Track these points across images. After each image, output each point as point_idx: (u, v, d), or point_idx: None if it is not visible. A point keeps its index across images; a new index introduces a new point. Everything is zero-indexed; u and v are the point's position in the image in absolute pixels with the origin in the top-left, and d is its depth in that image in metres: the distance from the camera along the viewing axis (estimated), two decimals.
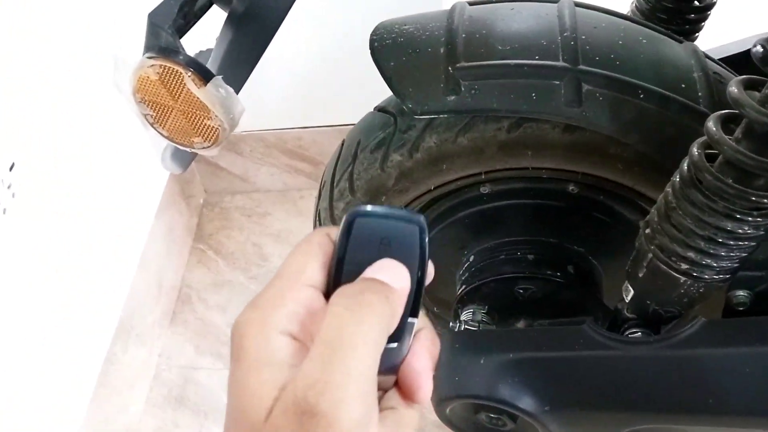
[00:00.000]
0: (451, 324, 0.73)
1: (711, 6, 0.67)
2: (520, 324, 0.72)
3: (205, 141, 0.47)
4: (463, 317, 0.72)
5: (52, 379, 1.00)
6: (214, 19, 0.55)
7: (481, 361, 0.63)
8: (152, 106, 0.47)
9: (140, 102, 0.47)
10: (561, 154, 0.60)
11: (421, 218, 0.33)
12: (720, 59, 0.63)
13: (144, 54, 0.45)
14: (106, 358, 1.10)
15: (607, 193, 0.66)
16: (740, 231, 0.48)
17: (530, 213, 0.70)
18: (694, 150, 0.48)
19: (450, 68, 0.55)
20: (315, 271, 0.32)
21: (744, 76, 0.45)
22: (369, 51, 0.59)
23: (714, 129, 0.46)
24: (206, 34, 0.57)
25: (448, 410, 0.67)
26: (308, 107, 1.33)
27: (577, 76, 0.54)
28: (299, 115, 1.35)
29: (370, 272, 0.32)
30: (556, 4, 0.60)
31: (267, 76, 1.23)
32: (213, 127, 0.46)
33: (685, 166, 0.49)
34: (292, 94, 1.29)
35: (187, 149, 0.49)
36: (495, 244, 0.73)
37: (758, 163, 0.43)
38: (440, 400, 0.66)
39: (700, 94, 0.56)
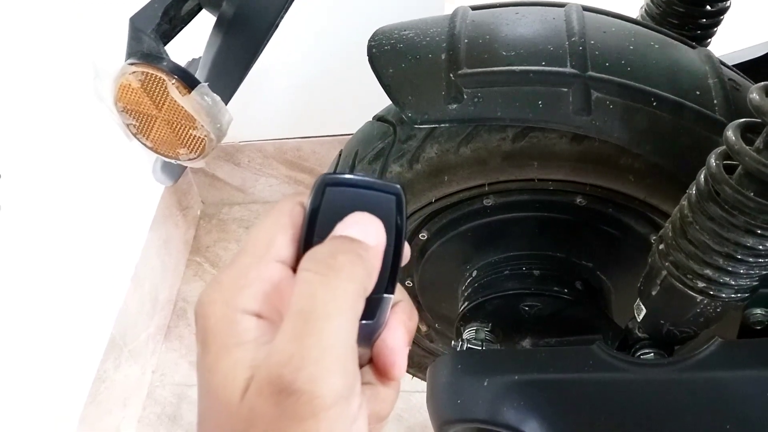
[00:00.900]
0: (453, 342, 0.70)
1: (724, 11, 0.65)
2: (526, 343, 0.69)
3: (191, 152, 0.44)
4: (465, 335, 0.69)
5: (42, 399, 0.97)
6: (208, 25, 0.53)
7: (485, 383, 0.60)
8: (135, 115, 0.44)
9: (122, 111, 0.44)
10: (568, 166, 0.57)
11: (399, 188, 0.30)
12: (734, 65, 0.61)
13: (126, 60, 0.42)
14: (96, 376, 1.07)
15: (617, 206, 0.63)
16: (761, 247, 0.45)
17: (536, 226, 0.67)
18: (712, 161, 0.45)
19: (452, 75, 0.53)
20: (284, 245, 0.29)
21: (765, 83, 0.42)
22: (367, 59, 0.57)
23: (734, 138, 0.43)
24: (200, 42, 0.55)
25: None
26: (307, 117, 1.30)
27: (586, 82, 0.51)
28: (298, 125, 1.33)
29: (340, 229, 0.29)
30: (563, 8, 0.57)
31: (265, 86, 1.20)
32: (199, 137, 0.43)
33: (702, 177, 0.46)
34: (290, 103, 1.27)
35: (173, 161, 0.46)
36: (499, 258, 0.70)
37: None
38: (442, 424, 0.62)
39: (715, 101, 0.53)
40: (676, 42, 0.57)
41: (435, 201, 0.65)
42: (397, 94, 0.54)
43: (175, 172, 0.64)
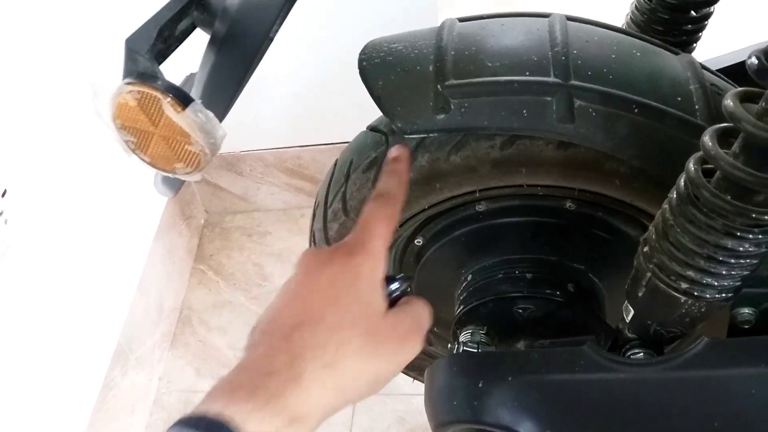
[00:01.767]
0: (450, 345, 0.72)
1: (708, 16, 0.66)
2: (521, 345, 0.70)
3: (186, 166, 0.46)
4: (461, 338, 0.70)
5: (49, 406, 0.99)
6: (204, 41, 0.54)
7: (480, 385, 0.61)
8: (132, 132, 0.46)
9: (120, 129, 0.46)
10: (556, 171, 0.59)
11: None
12: (718, 70, 0.62)
13: (122, 80, 0.44)
14: (104, 383, 1.09)
15: (607, 210, 0.64)
16: (741, 249, 0.46)
17: (528, 231, 0.69)
18: (691, 166, 0.47)
19: (439, 86, 0.54)
20: None
21: (740, 89, 0.44)
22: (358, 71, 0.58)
23: (710, 144, 0.45)
24: (197, 57, 0.57)
25: None
26: (307, 126, 1.32)
27: (569, 91, 0.52)
28: (298, 134, 1.35)
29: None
30: (547, 19, 0.58)
31: (265, 96, 1.23)
32: (194, 152, 0.45)
33: (681, 182, 0.48)
34: (290, 113, 1.29)
35: (170, 175, 0.48)
36: (493, 262, 0.72)
37: (757, 179, 0.42)
38: (438, 425, 0.64)
39: (696, 107, 0.54)
40: (658, 49, 0.59)
41: (428, 208, 0.66)
42: (387, 105, 0.56)
43: (175, 185, 0.66)
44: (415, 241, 0.73)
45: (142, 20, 0.46)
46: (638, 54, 0.57)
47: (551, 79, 0.53)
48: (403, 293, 0.50)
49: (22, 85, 0.94)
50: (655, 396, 0.54)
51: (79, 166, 1.07)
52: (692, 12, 0.66)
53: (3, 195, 0.89)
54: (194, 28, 0.50)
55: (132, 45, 0.43)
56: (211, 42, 0.49)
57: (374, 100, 0.56)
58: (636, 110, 0.52)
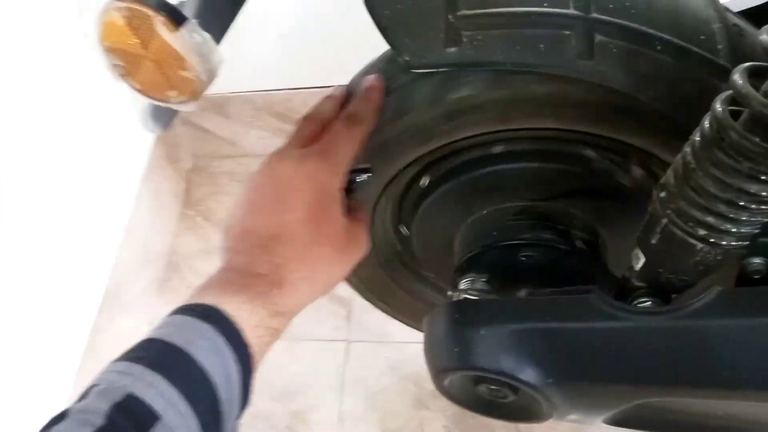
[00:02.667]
0: (449, 292, 0.70)
1: None
2: (522, 293, 0.69)
3: (181, 94, 0.43)
4: (461, 286, 0.68)
5: (38, 351, 0.97)
6: None
7: (482, 332, 0.60)
8: (121, 55, 0.42)
9: (108, 51, 0.42)
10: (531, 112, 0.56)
11: None
12: (738, 12, 0.59)
13: None
14: (92, 328, 1.07)
15: (595, 147, 0.62)
16: (764, 193, 0.44)
17: (540, 176, 0.66)
18: (718, 106, 0.44)
19: (450, 17, 0.51)
20: None
21: None
22: (362, 1, 0.54)
23: (741, 82, 0.42)
24: None
25: (446, 382, 0.64)
26: (298, 67, 1.27)
27: (589, 25, 0.49)
28: (288, 76, 1.30)
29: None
30: None
31: (254, 34, 1.17)
32: (189, 78, 0.41)
33: (706, 123, 0.45)
34: (280, 53, 1.24)
35: (162, 104, 0.44)
36: (499, 208, 0.69)
37: None
38: (438, 372, 0.63)
39: (719, 46, 0.51)
40: None
41: (407, 166, 0.64)
42: (393, 36, 0.52)
43: (165, 120, 0.62)
44: (420, 182, 0.70)
45: None
46: None
47: (571, 11, 0.50)
48: (357, 188, 0.57)
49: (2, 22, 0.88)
50: (665, 345, 0.53)
51: (63, 106, 1.02)
52: None
53: None
54: None
55: None
56: None
57: (380, 31, 0.53)
58: (659, 47, 0.50)
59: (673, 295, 0.56)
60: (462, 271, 0.69)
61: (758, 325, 0.50)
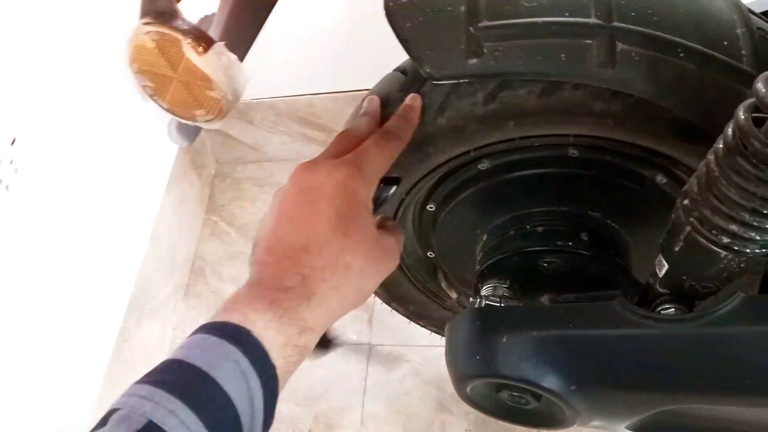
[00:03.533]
0: (471, 299, 0.70)
1: None
2: (544, 299, 0.69)
3: (207, 113, 0.44)
4: (483, 292, 0.69)
5: (66, 356, 0.99)
6: None
7: (504, 339, 0.60)
8: (150, 77, 0.43)
9: (137, 73, 0.43)
10: (543, 120, 0.56)
11: None
12: (762, 13, 0.58)
13: (140, 20, 0.42)
14: (119, 334, 1.10)
15: (613, 153, 0.62)
16: None
17: (540, 183, 0.66)
18: (741, 113, 0.44)
19: (471, 28, 0.51)
20: None
21: None
22: (383, 12, 0.55)
23: (764, 90, 0.42)
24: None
25: (468, 388, 0.65)
26: (319, 73, 1.28)
27: (611, 33, 0.49)
28: (311, 82, 1.31)
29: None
30: None
31: (276, 42, 1.18)
32: (216, 98, 0.42)
33: (729, 131, 0.45)
34: (302, 59, 1.25)
35: (190, 122, 0.45)
36: (511, 217, 0.70)
37: None
38: (460, 380, 0.63)
39: (743, 52, 0.51)
40: None
41: (429, 173, 0.64)
42: (415, 49, 0.53)
43: (190, 133, 0.64)
44: (428, 207, 0.71)
45: None
46: None
47: (592, 20, 0.50)
48: (387, 198, 0.60)
49: (30, 29, 0.90)
50: (688, 352, 0.53)
51: (90, 114, 1.04)
52: None
53: (12, 143, 0.87)
54: None
55: None
56: None
57: (401, 44, 0.53)
58: (681, 54, 0.49)
59: (697, 302, 0.56)
60: (483, 277, 0.69)
61: None
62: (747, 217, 0.46)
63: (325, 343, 0.62)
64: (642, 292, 0.61)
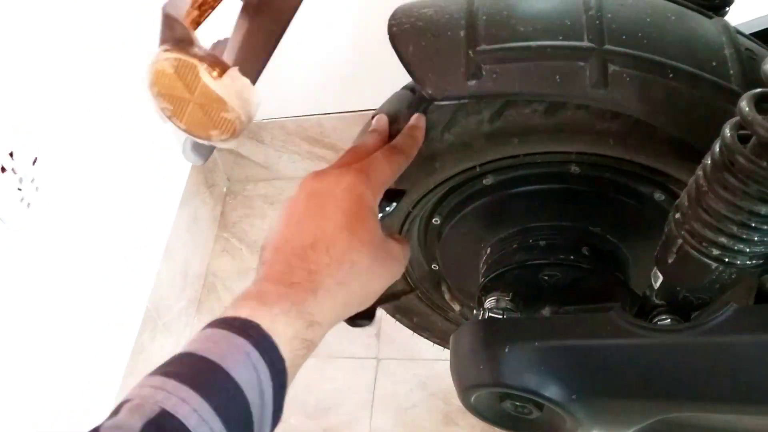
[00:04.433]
0: (474, 312, 0.72)
1: None
2: (545, 311, 0.71)
3: (222, 134, 0.46)
4: (486, 305, 0.71)
5: (81, 370, 1.01)
6: (230, 8, 0.54)
7: (506, 350, 0.62)
8: (169, 99, 0.46)
9: (157, 96, 0.46)
10: (547, 138, 0.58)
11: None
12: (751, 34, 0.61)
13: (159, 47, 0.45)
14: (134, 347, 1.12)
15: (613, 170, 0.64)
16: None
17: (538, 198, 0.69)
18: (726, 131, 0.46)
19: (470, 52, 0.54)
20: None
21: None
22: (387, 35, 0.58)
23: (747, 109, 0.44)
24: (222, 24, 0.57)
25: (473, 398, 0.66)
26: (328, 93, 1.32)
27: (602, 56, 0.52)
28: (319, 102, 1.34)
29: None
30: None
31: (285, 63, 1.22)
32: (230, 119, 0.45)
33: (716, 148, 0.47)
34: (311, 80, 1.28)
35: (205, 142, 0.48)
36: (515, 231, 0.72)
37: None
38: (465, 389, 0.65)
39: (731, 72, 0.53)
40: (692, 12, 0.57)
41: (435, 187, 0.67)
42: (417, 71, 0.55)
43: (205, 152, 0.67)
44: (433, 221, 0.73)
45: None
46: (672, 18, 0.56)
47: (585, 43, 0.52)
48: (392, 212, 0.63)
49: (51, 51, 0.94)
50: (684, 361, 0.55)
51: (107, 134, 1.08)
52: None
53: (34, 162, 0.90)
54: None
55: (169, 11, 0.43)
56: (244, 9, 0.49)
57: (404, 66, 0.56)
58: (671, 75, 0.52)
59: (692, 313, 0.58)
60: (486, 290, 0.71)
61: None
62: (735, 229, 0.48)
63: (369, 315, 0.62)
64: (639, 304, 0.63)
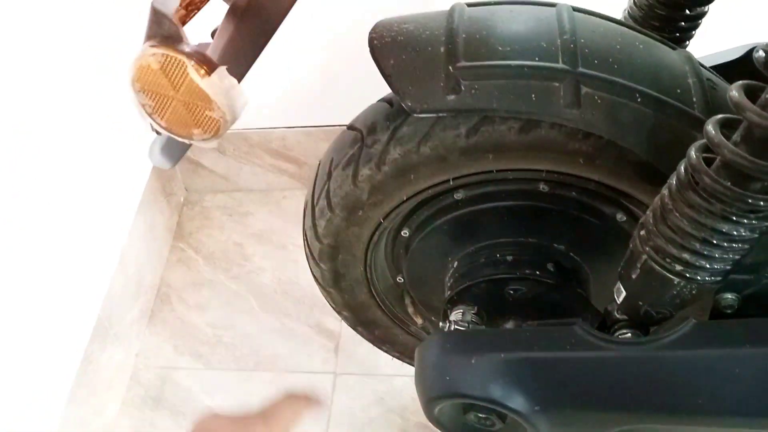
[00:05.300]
0: (441, 324, 0.73)
1: (702, 15, 0.68)
2: (510, 324, 0.72)
3: (205, 133, 0.46)
4: (452, 317, 0.72)
5: (29, 379, 0.97)
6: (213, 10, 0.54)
7: (472, 361, 0.63)
8: (151, 96, 0.46)
9: (139, 92, 0.46)
10: (521, 155, 0.60)
11: None
12: (710, 67, 0.64)
13: (145, 42, 0.44)
14: (83, 357, 1.08)
15: (580, 190, 0.66)
16: (735, 233, 0.49)
17: (506, 214, 0.71)
18: (693, 153, 0.49)
19: (450, 67, 0.55)
20: None
21: (743, 81, 0.46)
22: (362, 50, 0.59)
23: (713, 132, 0.47)
24: (203, 25, 0.57)
25: (436, 410, 0.67)
26: (294, 107, 1.32)
27: (576, 78, 0.54)
28: (284, 115, 1.34)
29: None
30: (554, 8, 0.60)
31: (252, 73, 1.22)
32: (214, 118, 0.45)
33: (682, 168, 0.50)
34: (277, 92, 1.28)
35: (186, 141, 0.48)
36: (481, 246, 0.73)
37: (756, 166, 0.44)
38: (430, 400, 0.65)
39: (694, 99, 0.57)
40: (658, 43, 0.61)
41: (407, 199, 0.68)
42: (397, 83, 0.57)
43: (175, 155, 0.66)
44: (402, 233, 0.74)
45: None
46: (641, 46, 0.59)
47: (560, 65, 0.55)
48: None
49: (4, 47, 0.92)
50: (643, 374, 0.57)
51: (63, 136, 1.05)
52: (687, 10, 0.69)
53: None
54: None
55: (159, 7, 0.43)
56: (231, 12, 0.49)
57: (384, 79, 0.57)
58: (639, 99, 0.55)
59: (652, 327, 0.60)
60: (453, 303, 0.72)
61: (729, 355, 0.54)
62: (698, 246, 0.50)
63: None
64: (602, 318, 0.65)
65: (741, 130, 0.46)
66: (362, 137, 0.64)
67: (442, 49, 0.57)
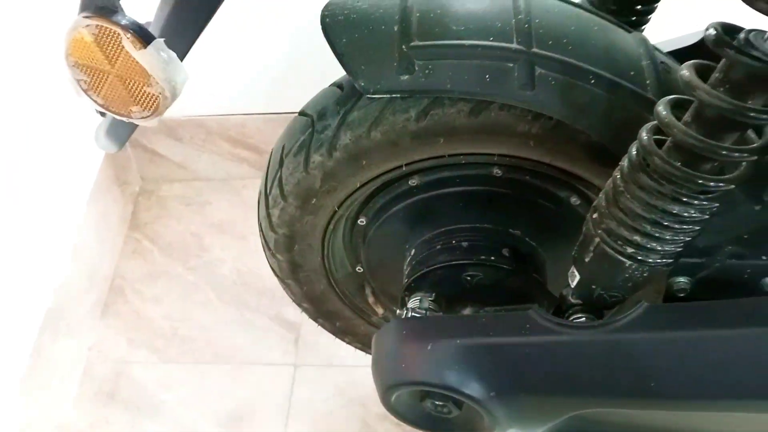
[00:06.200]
0: (398, 311, 0.72)
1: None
2: (467, 311, 0.72)
3: (144, 110, 0.44)
4: (410, 305, 0.71)
5: None
6: None
7: (428, 348, 0.62)
8: (86, 71, 0.43)
9: (73, 66, 0.43)
10: (470, 138, 0.60)
11: None
12: (667, 53, 0.65)
13: (79, 13, 0.42)
14: (33, 350, 1.04)
15: (533, 173, 0.66)
16: (686, 214, 0.49)
17: (462, 200, 0.70)
18: (643, 134, 0.49)
19: (404, 46, 0.54)
20: None
21: (694, 61, 0.46)
22: (320, 28, 0.57)
23: (664, 112, 0.47)
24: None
25: (393, 398, 0.66)
26: (252, 93, 1.29)
27: (530, 59, 0.54)
28: (243, 101, 1.31)
29: None
30: None
31: (209, 59, 1.19)
32: (153, 94, 0.43)
33: (633, 150, 0.50)
34: (235, 78, 1.25)
35: (125, 119, 0.46)
36: (438, 233, 0.73)
37: (707, 145, 0.44)
38: (387, 388, 0.65)
39: (647, 81, 0.56)
40: (614, 26, 0.61)
41: (361, 186, 0.67)
42: (350, 63, 0.55)
43: (120, 137, 0.63)
44: (359, 221, 0.73)
45: None
46: (596, 28, 0.58)
47: (514, 45, 0.54)
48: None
49: None
50: (596, 357, 0.57)
51: (9, 120, 1.01)
52: None
53: None
54: None
55: None
56: None
57: (337, 58, 0.56)
58: (593, 81, 0.54)
59: (605, 311, 0.60)
60: (410, 290, 0.72)
61: (681, 338, 0.54)
62: (649, 228, 0.50)
63: None
64: (556, 303, 0.65)
65: (692, 110, 0.46)
66: (312, 123, 0.63)
67: (395, 28, 0.55)
